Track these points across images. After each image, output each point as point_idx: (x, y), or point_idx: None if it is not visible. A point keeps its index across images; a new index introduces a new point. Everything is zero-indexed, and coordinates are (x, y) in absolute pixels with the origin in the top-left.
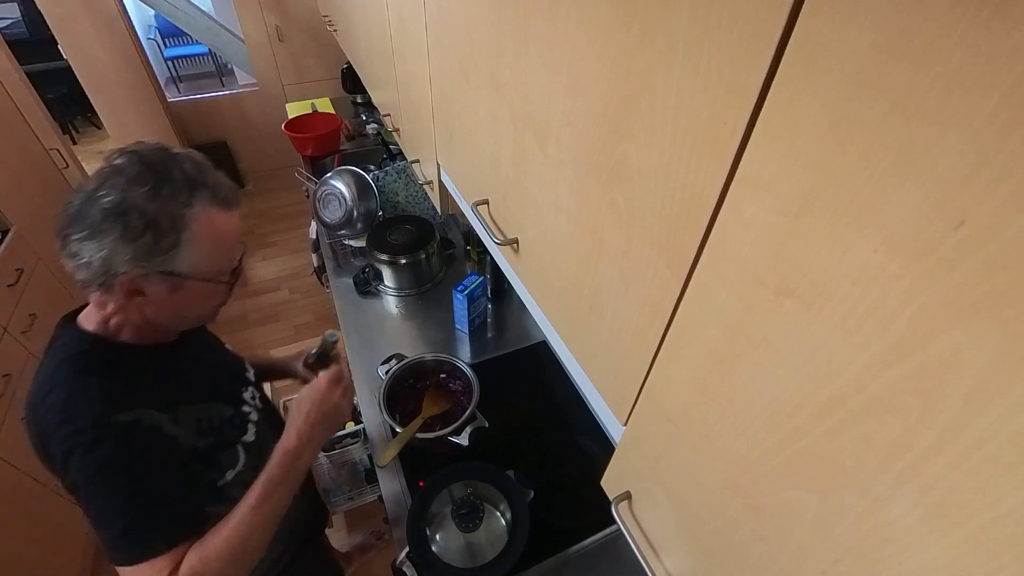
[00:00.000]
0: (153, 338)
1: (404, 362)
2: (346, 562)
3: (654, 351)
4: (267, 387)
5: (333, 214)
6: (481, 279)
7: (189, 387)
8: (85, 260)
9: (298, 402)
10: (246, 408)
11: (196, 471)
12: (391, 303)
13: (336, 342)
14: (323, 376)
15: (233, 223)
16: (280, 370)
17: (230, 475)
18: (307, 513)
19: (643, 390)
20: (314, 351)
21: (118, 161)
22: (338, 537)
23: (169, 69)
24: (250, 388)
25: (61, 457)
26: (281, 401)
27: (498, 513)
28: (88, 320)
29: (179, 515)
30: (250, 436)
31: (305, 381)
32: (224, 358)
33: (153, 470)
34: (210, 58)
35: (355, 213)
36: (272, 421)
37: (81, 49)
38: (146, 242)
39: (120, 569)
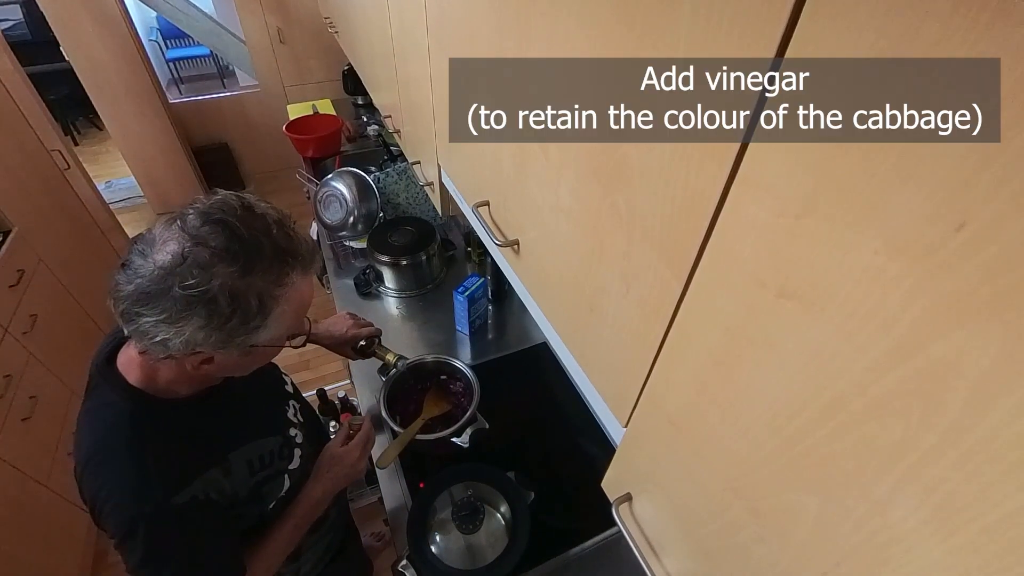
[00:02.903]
0: (204, 386)
1: (405, 363)
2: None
3: (655, 353)
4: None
5: (334, 215)
6: (482, 280)
7: (237, 430)
8: (159, 340)
9: (329, 460)
10: (292, 431)
11: (243, 515)
12: (392, 304)
13: (398, 363)
14: (356, 444)
15: (311, 285)
16: (324, 346)
17: (272, 504)
18: (344, 513)
19: (644, 392)
20: (365, 344)
21: (200, 229)
22: None
23: (171, 70)
24: (291, 402)
25: (119, 537)
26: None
27: (499, 515)
28: (131, 369)
29: (222, 570)
30: (295, 463)
31: (344, 355)
32: (263, 378)
33: (205, 541)
34: (211, 60)
35: (356, 214)
36: (313, 430)
37: (83, 50)
38: (232, 326)
39: None
